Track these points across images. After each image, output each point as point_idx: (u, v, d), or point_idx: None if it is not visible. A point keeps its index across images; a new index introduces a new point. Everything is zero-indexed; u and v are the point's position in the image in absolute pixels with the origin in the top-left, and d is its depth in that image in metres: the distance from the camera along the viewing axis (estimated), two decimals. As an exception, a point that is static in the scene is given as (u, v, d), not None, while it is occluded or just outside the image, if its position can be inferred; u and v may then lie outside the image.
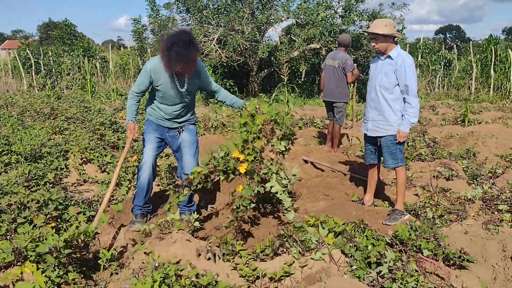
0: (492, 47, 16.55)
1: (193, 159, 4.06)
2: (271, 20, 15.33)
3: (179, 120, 4.06)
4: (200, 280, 2.38)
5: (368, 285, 2.75)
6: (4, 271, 2.79)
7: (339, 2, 15.36)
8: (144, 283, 2.24)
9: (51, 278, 2.64)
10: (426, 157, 6.50)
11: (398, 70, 4.14)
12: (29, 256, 2.75)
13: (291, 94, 13.74)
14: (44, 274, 2.65)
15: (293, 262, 3.05)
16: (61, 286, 2.71)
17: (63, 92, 14.63)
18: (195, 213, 3.90)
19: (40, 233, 2.82)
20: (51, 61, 17.47)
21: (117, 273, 3.13)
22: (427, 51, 18.01)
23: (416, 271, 2.86)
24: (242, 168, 3.32)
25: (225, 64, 14.55)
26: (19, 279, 2.71)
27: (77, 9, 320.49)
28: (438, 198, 4.82)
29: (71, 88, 15.77)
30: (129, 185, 5.06)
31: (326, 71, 7.02)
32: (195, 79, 3.89)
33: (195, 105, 4.27)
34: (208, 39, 14.48)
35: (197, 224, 3.60)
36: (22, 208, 3.65)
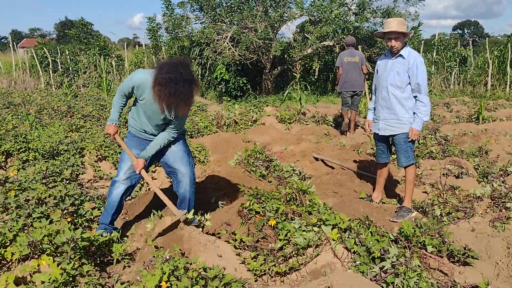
0: (509, 44, 16.32)
1: (189, 171, 3.77)
2: (284, 18, 15.37)
3: (154, 135, 3.74)
4: (208, 273, 2.48)
5: (371, 279, 2.82)
6: (22, 264, 2.94)
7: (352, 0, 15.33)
8: (154, 275, 2.35)
9: (66, 270, 2.77)
10: (437, 155, 6.52)
11: (410, 69, 4.19)
12: (45, 250, 2.88)
13: (304, 91, 13.77)
14: (59, 267, 2.79)
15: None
16: (76, 278, 2.83)
17: (79, 90, 14.91)
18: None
19: (56, 227, 2.95)
20: (68, 60, 17.77)
21: (129, 266, 3.26)
22: (442, 48, 17.85)
23: (419, 266, 2.92)
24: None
25: (238, 62, 14.65)
26: (36, 271, 2.85)
27: (92, 7, 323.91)
28: (446, 196, 4.85)
29: (88, 86, 16.04)
30: (142, 182, 5.19)
31: (348, 67, 8.40)
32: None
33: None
34: (222, 37, 14.60)
35: (208, 223, 3.71)
36: (40, 203, 3.80)
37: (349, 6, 15.34)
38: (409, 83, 4.26)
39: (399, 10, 15.17)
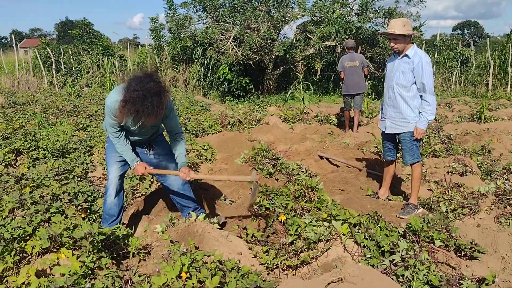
0: (510, 44, 16.41)
1: (175, 169, 3.80)
2: (287, 18, 15.45)
3: (144, 140, 3.81)
4: (225, 265, 2.56)
5: (381, 272, 2.90)
6: (41, 257, 3.02)
7: (355, 0, 15.41)
8: (173, 267, 2.43)
9: (85, 263, 2.85)
10: (440, 153, 6.60)
11: (415, 68, 4.26)
12: (64, 243, 2.96)
13: (307, 91, 13.87)
14: (79, 259, 2.86)
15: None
16: (94, 270, 2.91)
17: (82, 90, 14.99)
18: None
19: (74, 221, 3.03)
20: (71, 60, 17.86)
21: (144, 260, 3.33)
22: (444, 48, 17.94)
23: (428, 260, 3.01)
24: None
25: (241, 62, 14.73)
26: (55, 264, 2.93)
27: (91, 8, 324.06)
28: (451, 193, 4.94)
29: (91, 86, 16.12)
30: (152, 179, 5.27)
31: (349, 71, 8.80)
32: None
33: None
34: (225, 37, 14.68)
35: (216, 226, 3.77)
36: (54, 199, 3.88)
37: (351, 7, 15.44)
38: (415, 83, 4.33)
39: (401, 11, 15.26)
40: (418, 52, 4.35)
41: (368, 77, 9.41)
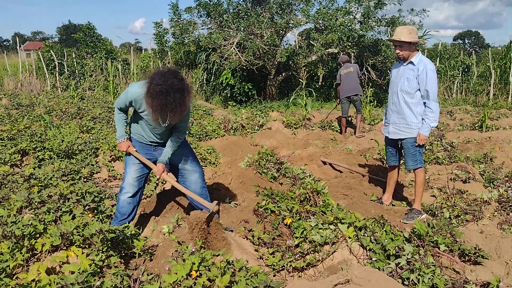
0: (511, 54, 16.51)
1: (195, 167, 3.89)
2: (290, 25, 15.55)
3: (164, 142, 3.80)
4: (234, 265, 2.60)
5: (387, 275, 2.94)
6: (51, 255, 3.05)
7: (358, 8, 15.51)
8: (184, 265, 2.46)
9: (94, 261, 2.88)
10: (443, 160, 6.64)
11: (420, 75, 4.31)
12: (74, 241, 2.99)
13: (309, 97, 13.94)
14: (88, 258, 2.90)
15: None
16: (103, 269, 2.95)
17: (85, 93, 15.05)
18: None
19: (85, 220, 3.07)
20: (74, 63, 17.94)
21: (151, 260, 3.37)
22: (446, 57, 18.03)
23: (433, 264, 3.04)
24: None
25: (244, 67, 14.81)
26: (65, 262, 2.96)
27: (93, 12, 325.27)
28: (455, 200, 4.97)
29: (94, 90, 16.19)
30: (157, 181, 5.31)
31: (345, 77, 9.42)
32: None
33: None
34: (228, 43, 14.77)
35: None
36: (62, 199, 3.92)
37: (354, 15, 15.54)
38: (419, 89, 4.37)
39: (404, 20, 15.36)
40: (423, 59, 4.39)
41: (370, 84, 9.77)
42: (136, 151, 3.76)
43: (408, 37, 4.31)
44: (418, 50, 4.46)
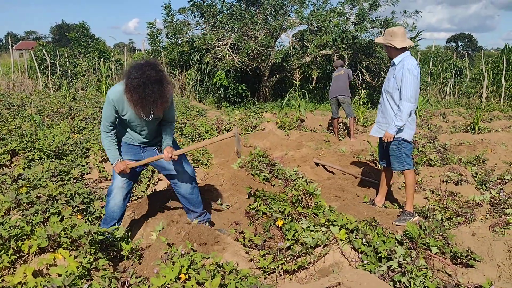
0: (504, 57, 16.60)
1: (185, 169, 3.81)
2: (284, 26, 15.54)
3: (152, 141, 3.74)
4: (224, 267, 2.56)
5: (379, 278, 2.91)
6: (37, 257, 2.99)
7: (352, 9, 15.54)
8: (172, 268, 2.42)
9: (82, 264, 2.83)
10: (436, 162, 6.64)
11: (396, 74, 4.33)
12: (62, 243, 2.94)
13: (302, 99, 13.93)
14: (76, 260, 2.85)
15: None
16: (91, 271, 2.90)
17: (78, 93, 14.94)
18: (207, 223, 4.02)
19: (73, 221, 3.02)
20: (67, 63, 17.81)
21: (140, 263, 3.32)
22: (438, 59, 18.11)
23: (425, 266, 3.02)
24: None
25: (238, 68, 14.78)
26: (52, 264, 2.91)
27: (87, 12, 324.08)
28: (447, 202, 4.97)
29: (86, 90, 16.08)
30: (148, 182, 5.26)
31: (335, 79, 9.65)
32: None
33: None
34: (222, 44, 14.73)
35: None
36: (51, 200, 3.86)
37: (348, 16, 15.56)
38: (398, 89, 4.37)
39: (397, 21, 15.40)
40: (404, 60, 4.34)
41: (364, 86, 9.87)
42: (134, 162, 3.64)
43: (382, 39, 4.41)
44: (406, 51, 4.43)
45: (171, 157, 3.55)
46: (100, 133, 7.30)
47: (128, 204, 4.33)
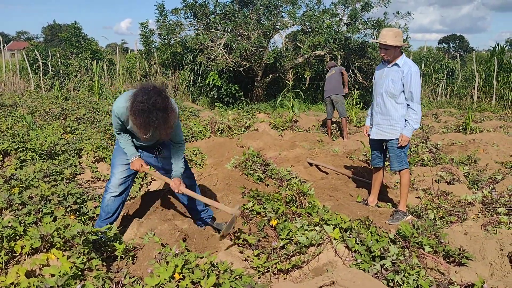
0: (495, 57, 16.74)
1: (188, 177, 3.88)
2: (277, 27, 15.57)
3: (151, 146, 3.78)
4: (219, 267, 2.56)
5: (372, 276, 2.93)
6: (30, 257, 2.97)
7: (344, 10, 15.60)
8: (167, 268, 2.42)
9: (75, 264, 2.82)
10: (428, 162, 6.69)
11: (404, 77, 4.34)
12: (55, 243, 2.93)
13: (296, 99, 13.97)
14: (69, 260, 2.83)
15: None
16: (84, 271, 2.88)
17: (70, 93, 14.85)
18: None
19: (66, 222, 3.01)
20: (59, 63, 17.71)
21: (133, 263, 3.31)
22: (430, 60, 18.23)
23: (418, 265, 3.04)
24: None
25: (231, 69, 14.78)
26: (45, 265, 2.90)
27: (78, 12, 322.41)
28: (439, 201, 5.00)
29: (78, 90, 15.99)
30: (142, 182, 5.25)
31: (328, 79, 9.79)
32: None
33: None
34: (215, 44, 14.72)
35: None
36: (44, 200, 3.84)
37: (340, 17, 15.62)
38: (403, 91, 4.40)
39: (389, 22, 15.49)
40: (407, 62, 4.43)
41: (357, 86, 9.96)
42: (148, 168, 3.72)
43: (394, 40, 4.34)
44: (402, 52, 4.49)
45: (176, 190, 3.63)
46: (92, 134, 7.35)
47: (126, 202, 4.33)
